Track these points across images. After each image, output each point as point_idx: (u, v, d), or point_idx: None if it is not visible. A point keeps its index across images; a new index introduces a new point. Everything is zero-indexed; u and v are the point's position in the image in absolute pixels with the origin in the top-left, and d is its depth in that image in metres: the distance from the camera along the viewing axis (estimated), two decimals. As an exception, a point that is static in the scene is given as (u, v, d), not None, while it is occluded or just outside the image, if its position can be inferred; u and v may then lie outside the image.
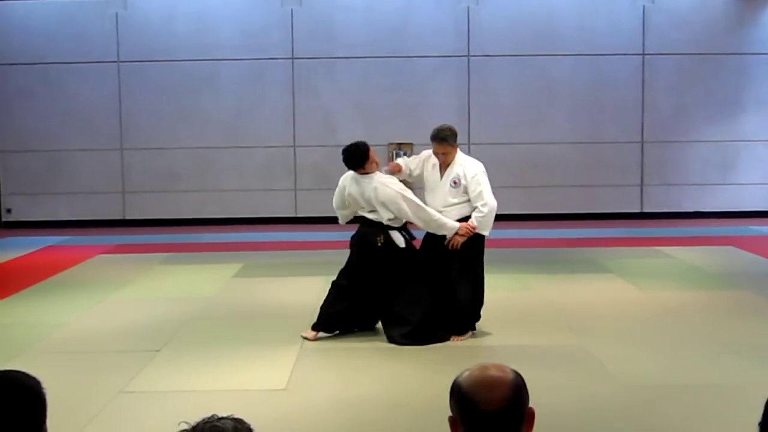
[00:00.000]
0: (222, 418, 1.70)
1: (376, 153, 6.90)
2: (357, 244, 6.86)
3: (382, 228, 6.69)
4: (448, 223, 6.62)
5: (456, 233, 6.58)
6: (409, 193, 6.67)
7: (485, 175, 6.71)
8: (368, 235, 6.75)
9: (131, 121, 14.42)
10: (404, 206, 6.58)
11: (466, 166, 6.74)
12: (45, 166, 14.45)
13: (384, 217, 6.67)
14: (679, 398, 5.27)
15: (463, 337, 6.72)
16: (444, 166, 6.82)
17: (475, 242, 6.68)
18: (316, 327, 6.80)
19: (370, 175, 6.72)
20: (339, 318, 6.83)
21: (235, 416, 1.72)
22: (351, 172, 6.81)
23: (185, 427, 1.69)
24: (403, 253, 6.71)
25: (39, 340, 6.83)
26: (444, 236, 6.63)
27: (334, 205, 7.03)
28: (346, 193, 6.84)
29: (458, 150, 6.87)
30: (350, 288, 6.81)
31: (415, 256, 6.79)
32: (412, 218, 6.64)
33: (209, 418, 1.70)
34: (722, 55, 14.47)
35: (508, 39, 14.33)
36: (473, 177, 6.65)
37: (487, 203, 6.62)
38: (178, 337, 6.89)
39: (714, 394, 5.36)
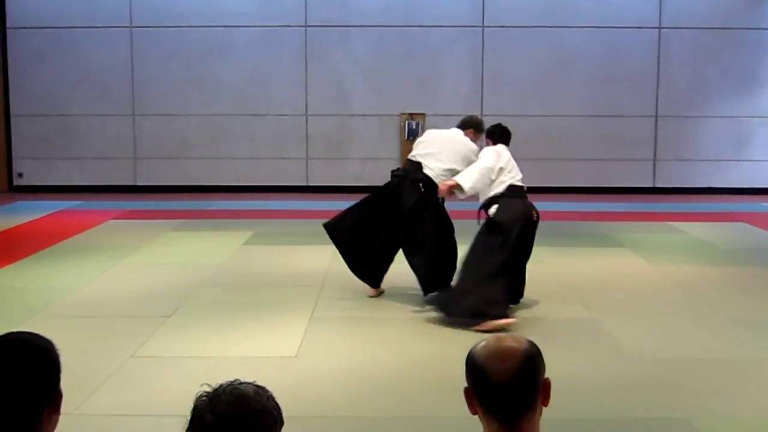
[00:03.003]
0: (244, 383, 1.72)
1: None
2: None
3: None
4: None
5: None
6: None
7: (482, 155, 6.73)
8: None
9: (143, 87, 14.38)
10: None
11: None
12: (57, 130, 14.45)
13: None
14: (691, 372, 5.27)
15: None
16: None
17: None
18: None
19: None
20: None
21: (257, 383, 1.73)
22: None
23: (207, 389, 1.70)
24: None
25: (50, 304, 6.85)
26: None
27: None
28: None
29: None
30: None
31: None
32: None
33: (232, 381, 1.72)
34: (740, 29, 14.31)
35: (523, 10, 14.20)
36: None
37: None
38: (189, 303, 6.90)
39: (725, 369, 5.35)
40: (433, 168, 6.84)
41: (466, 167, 6.69)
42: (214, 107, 14.38)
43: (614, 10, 14.22)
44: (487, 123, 14.42)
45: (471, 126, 7.15)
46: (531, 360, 2.00)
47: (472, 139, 7.05)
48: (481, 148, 6.90)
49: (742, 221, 11.39)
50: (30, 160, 14.56)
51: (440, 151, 6.88)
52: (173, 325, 6.26)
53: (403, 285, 7.56)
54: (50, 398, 1.89)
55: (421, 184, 6.83)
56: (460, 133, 7.06)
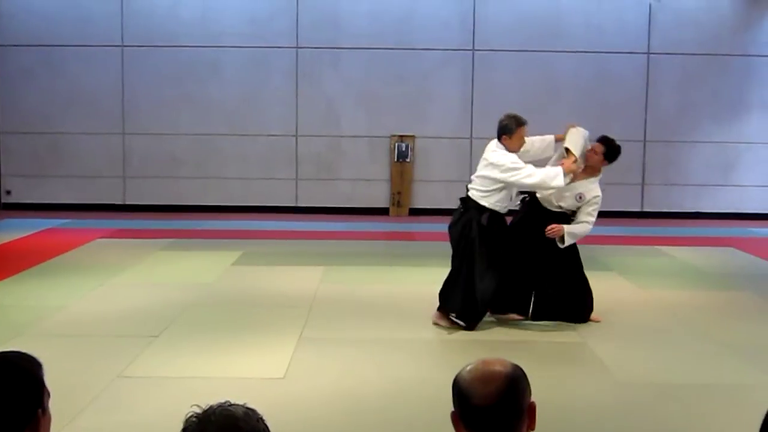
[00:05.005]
0: (233, 404, 1.73)
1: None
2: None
3: None
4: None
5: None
6: None
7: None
8: None
9: (134, 106, 14.38)
10: None
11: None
12: (46, 148, 14.43)
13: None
14: (678, 397, 5.28)
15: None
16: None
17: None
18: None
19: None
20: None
21: (248, 405, 1.74)
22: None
23: (197, 410, 1.70)
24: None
25: (37, 323, 6.82)
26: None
27: None
28: None
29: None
30: None
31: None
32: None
33: (222, 403, 1.72)
34: (728, 56, 14.43)
35: (513, 34, 14.29)
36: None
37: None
38: (177, 323, 6.88)
39: (712, 394, 5.37)
40: (472, 191, 6.91)
41: (498, 184, 6.76)
42: (204, 127, 14.39)
43: (603, 35, 14.33)
44: (476, 145, 14.40)
45: (501, 132, 6.88)
46: (514, 383, 2.00)
47: (509, 146, 6.83)
48: (515, 144, 6.87)
49: (730, 246, 11.44)
50: (19, 177, 14.52)
51: (476, 177, 6.92)
52: (161, 345, 6.24)
53: (394, 306, 7.57)
54: (31, 420, 1.87)
55: (460, 205, 6.97)
56: (494, 147, 6.89)
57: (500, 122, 6.90)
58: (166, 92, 14.34)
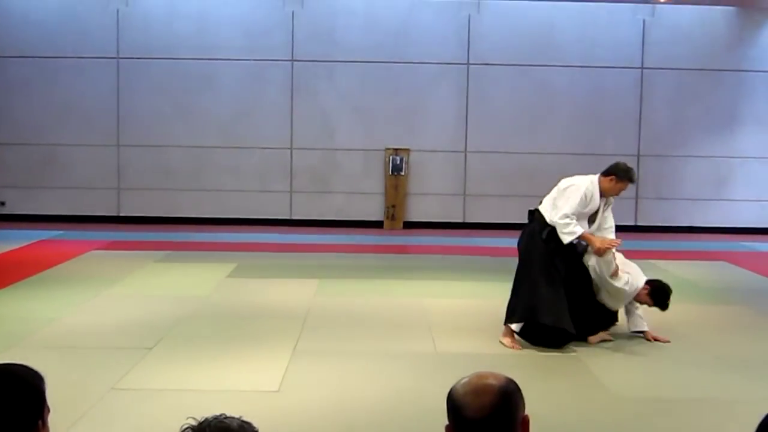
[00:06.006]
0: (228, 417, 1.74)
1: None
2: None
3: None
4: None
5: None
6: None
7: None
8: None
9: (129, 118, 14.40)
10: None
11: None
12: (40, 159, 14.42)
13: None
14: (672, 412, 5.29)
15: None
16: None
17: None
18: None
19: None
20: None
21: (244, 418, 1.75)
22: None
23: (192, 423, 1.72)
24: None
25: (31, 335, 6.80)
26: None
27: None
28: None
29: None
30: None
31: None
32: None
33: (217, 415, 1.74)
34: (721, 71, 14.52)
35: (508, 48, 14.36)
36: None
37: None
38: (171, 335, 6.88)
39: (706, 409, 5.37)
40: (543, 203, 7.05)
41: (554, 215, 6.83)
42: (199, 139, 14.41)
43: (598, 50, 14.41)
44: (471, 159, 14.46)
45: (610, 172, 7.02)
46: (507, 396, 2.01)
47: (608, 187, 6.99)
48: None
49: (723, 260, 11.48)
50: (13, 188, 14.51)
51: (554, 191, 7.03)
52: (155, 357, 6.23)
53: (388, 318, 7.57)
54: (31, 431, 1.88)
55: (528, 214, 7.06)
56: (591, 178, 7.03)
57: (617, 163, 7.10)
58: (162, 104, 14.37)
